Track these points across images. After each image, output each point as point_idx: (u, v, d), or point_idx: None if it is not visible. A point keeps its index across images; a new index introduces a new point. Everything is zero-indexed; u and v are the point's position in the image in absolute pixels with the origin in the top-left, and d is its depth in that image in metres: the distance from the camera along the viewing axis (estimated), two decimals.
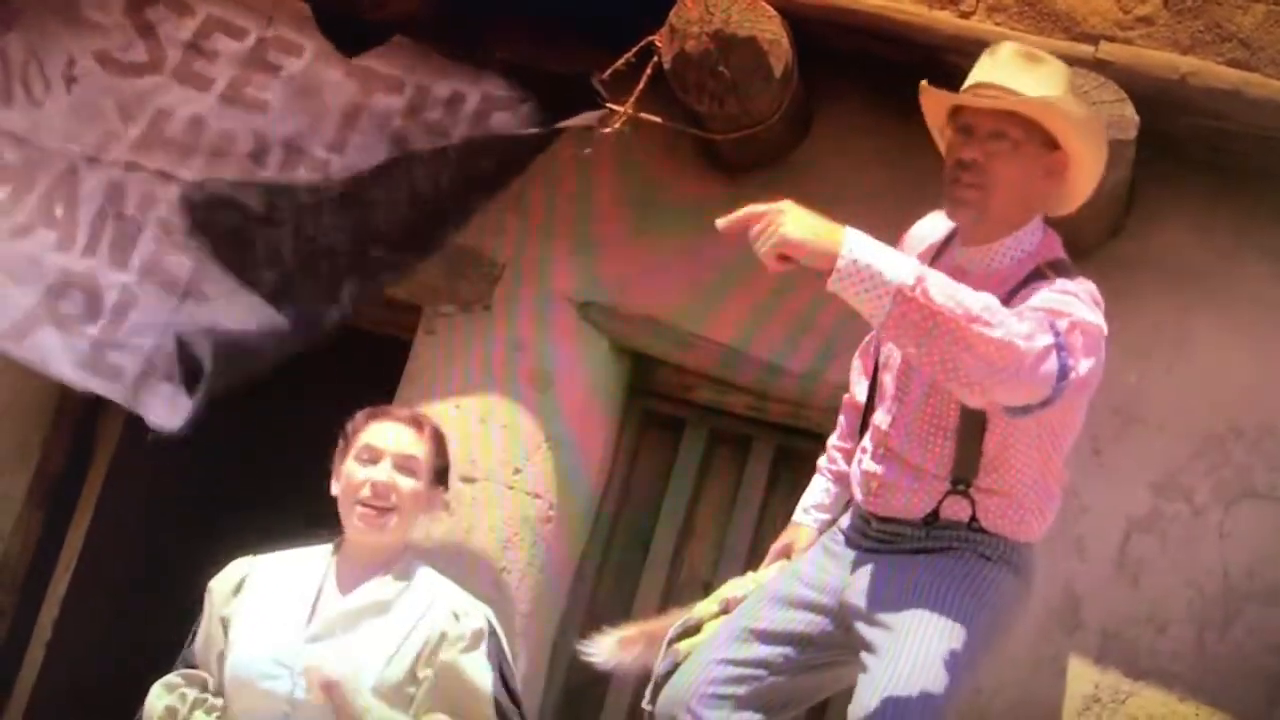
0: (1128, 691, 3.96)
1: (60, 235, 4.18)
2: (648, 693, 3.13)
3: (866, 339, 3.24)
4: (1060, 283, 2.84)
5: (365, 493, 3.13)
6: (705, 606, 3.18)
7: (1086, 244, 3.80)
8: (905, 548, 2.96)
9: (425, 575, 3.23)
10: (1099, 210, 3.82)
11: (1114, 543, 4.01)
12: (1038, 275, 2.86)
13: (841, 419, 3.30)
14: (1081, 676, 3.98)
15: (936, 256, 3.03)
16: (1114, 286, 2.96)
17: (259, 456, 5.72)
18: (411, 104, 4.15)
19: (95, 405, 4.89)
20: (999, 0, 3.91)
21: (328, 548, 3.25)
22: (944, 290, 2.60)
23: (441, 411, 4.15)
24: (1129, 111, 3.69)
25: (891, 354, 3.03)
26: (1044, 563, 3.91)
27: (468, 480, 4.22)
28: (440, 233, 4.14)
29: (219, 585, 3.23)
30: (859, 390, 3.24)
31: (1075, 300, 2.79)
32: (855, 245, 2.62)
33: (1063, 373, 2.67)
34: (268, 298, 4.09)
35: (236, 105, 4.21)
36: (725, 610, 3.16)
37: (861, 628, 2.92)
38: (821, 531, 3.23)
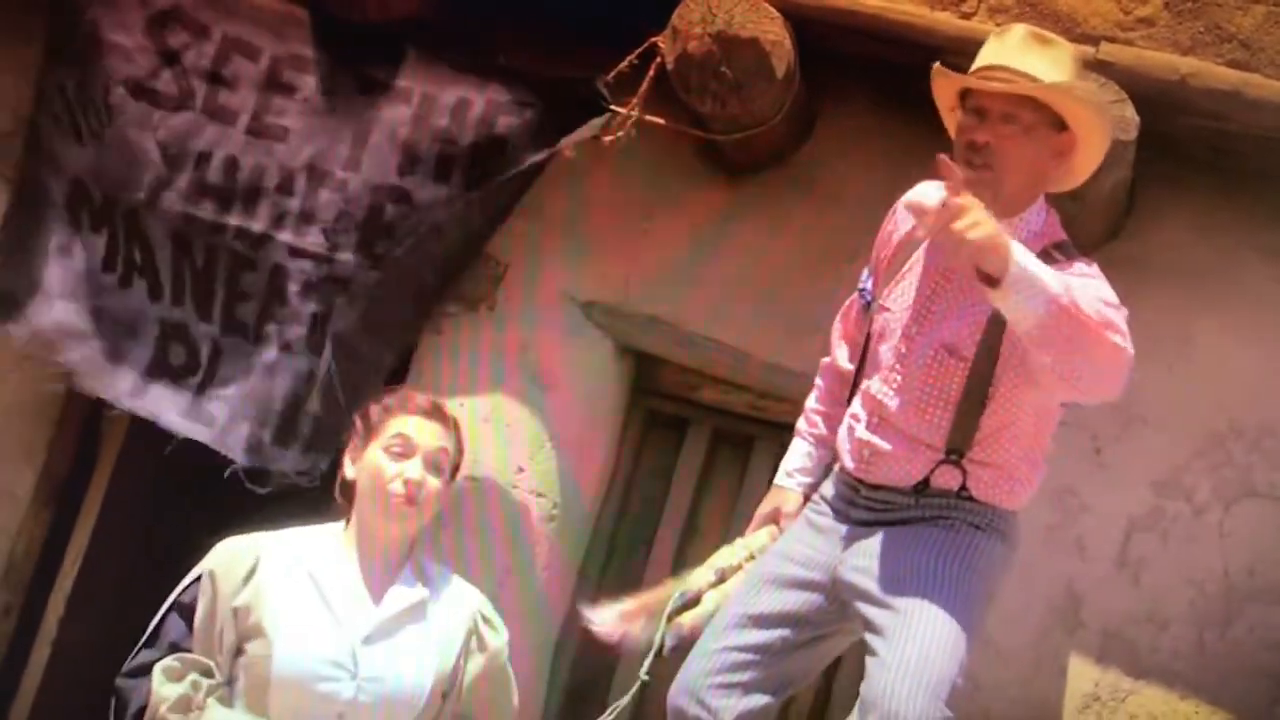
0: (1128, 690, 3.97)
1: (150, 284, 4.39)
2: (646, 663, 3.16)
3: (846, 303, 3.28)
4: (1078, 267, 2.90)
5: (397, 487, 3.11)
6: (701, 576, 3.22)
7: (1087, 244, 3.80)
8: (894, 517, 3.00)
9: (441, 572, 3.25)
10: (1099, 211, 3.84)
11: (1115, 542, 4.01)
12: (1046, 258, 2.87)
13: (820, 382, 3.33)
14: (1082, 675, 3.99)
15: None
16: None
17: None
18: (418, 112, 4.20)
19: (100, 406, 4.90)
20: (1000, 1, 3.93)
21: (334, 529, 3.21)
22: (1085, 298, 2.71)
23: None
24: (1129, 112, 3.70)
25: (888, 324, 3.06)
26: (1044, 561, 3.96)
27: (471, 479, 4.24)
28: (464, 261, 4.36)
29: (224, 571, 3.12)
30: (840, 355, 3.28)
31: (1105, 287, 2.86)
32: (1020, 254, 2.68)
33: None
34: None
35: (261, 138, 4.31)
36: (721, 579, 3.19)
37: (863, 607, 2.96)
38: (806, 496, 3.26)
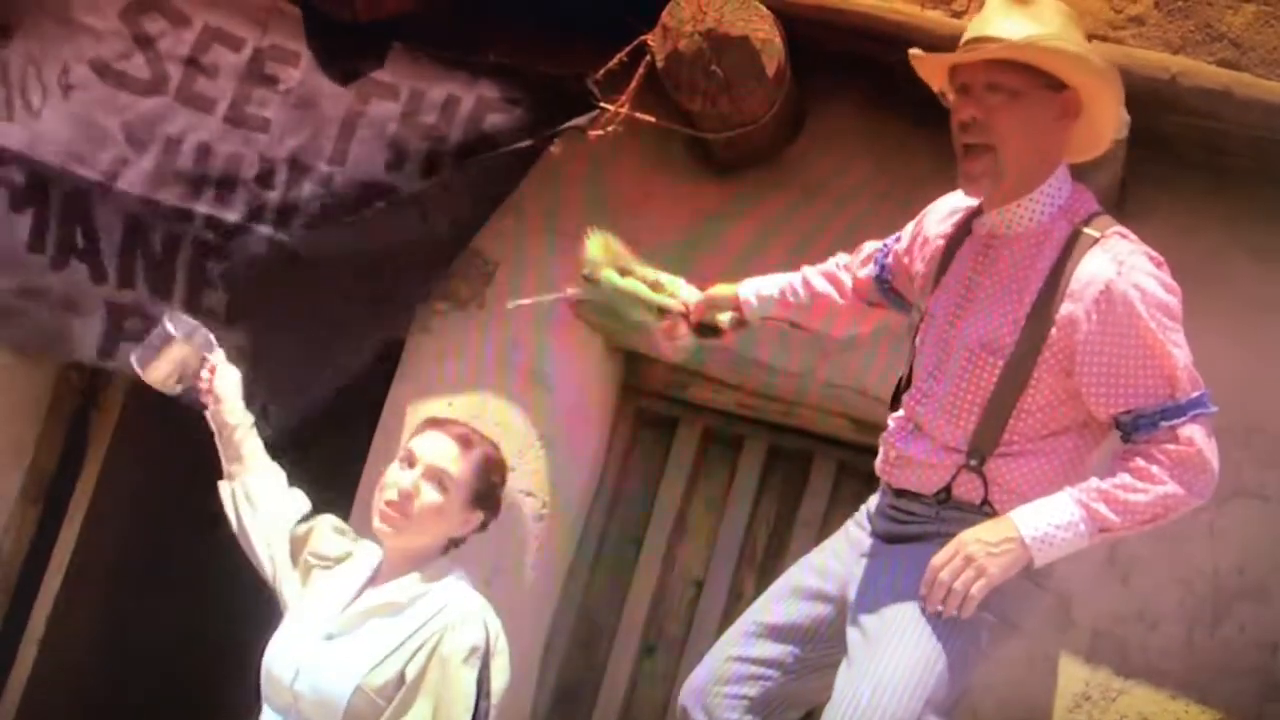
0: (1118, 689, 3.97)
1: (91, 267, 4.28)
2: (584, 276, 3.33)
3: (867, 249, 3.27)
4: (1114, 248, 2.73)
5: (389, 494, 3.12)
6: (645, 269, 3.40)
7: None
8: (914, 530, 2.88)
9: (451, 583, 3.17)
10: None
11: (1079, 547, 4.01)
12: (1081, 241, 2.75)
13: (833, 269, 3.31)
14: (1072, 674, 3.99)
15: (967, 230, 2.94)
16: None
17: None
18: (406, 109, 4.17)
19: (88, 402, 4.89)
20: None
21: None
22: (1114, 508, 2.66)
23: (434, 409, 4.15)
24: (1120, 111, 3.69)
25: (928, 331, 2.94)
26: None
27: None
28: (451, 252, 4.29)
29: (319, 532, 3.31)
30: (823, 270, 3.30)
31: (1145, 277, 2.73)
32: (1029, 534, 2.68)
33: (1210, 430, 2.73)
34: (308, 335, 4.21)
35: (240, 126, 4.23)
36: (655, 289, 3.36)
37: (847, 628, 2.87)
38: (734, 305, 3.32)
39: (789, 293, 3.32)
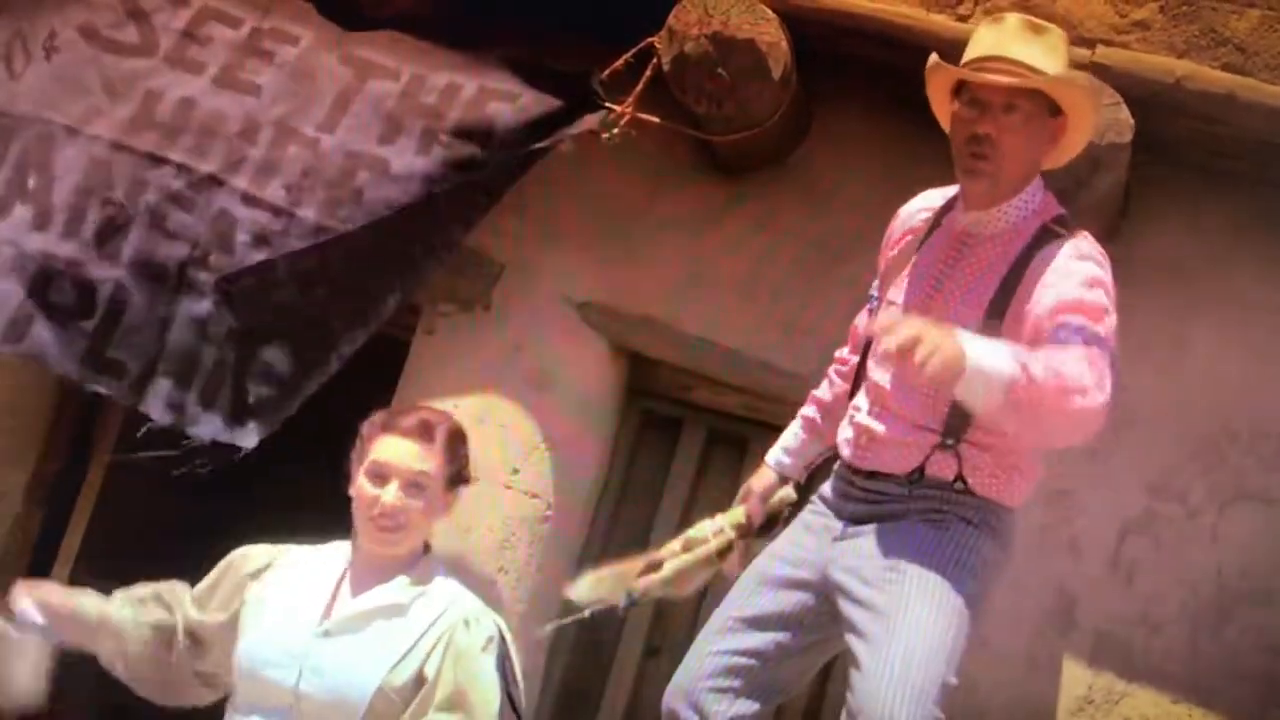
0: (1121, 692, 3.97)
1: (36, 211, 4.06)
2: (593, 610, 3.22)
3: (857, 317, 3.31)
4: (1076, 242, 2.95)
5: (375, 512, 3.13)
6: (668, 545, 3.25)
7: None
8: (888, 510, 2.99)
9: (443, 583, 3.20)
10: (1094, 213, 3.84)
11: (1108, 544, 4.02)
12: (1048, 236, 2.97)
13: (829, 373, 3.34)
14: (1075, 677, 3.99)
15: (935, 225, 3.12)
16: None
17: (258, 455, 5.72)
18: (406, 89, 4.09)
19: (94, 404, 4.89)
20: (995, 3, 3.93)
21: (348, 545, 3.25)
22: (1044, 367, 2.74)
23: None
24: (1124, 115, 3.70)
25: (894, 313, 3.02)
26: (1038, 563, 3.96)
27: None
28: (452, 238, 4.13)
29: (240, 563, 3.25)
30: (846, 352, 3.31)
31: (1097, 270, 2.92)
32: (972, 354, 2.73)
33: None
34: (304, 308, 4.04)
35: (228, 88, 4.12)
36: (686, 549, 3.22)
37: (847, 608, 2.95)
38: (782, 477, 3.31)
39: (810, 426, 3.35)
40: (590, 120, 4.00)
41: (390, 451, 3.15)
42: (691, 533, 3.26)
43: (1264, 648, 3.95)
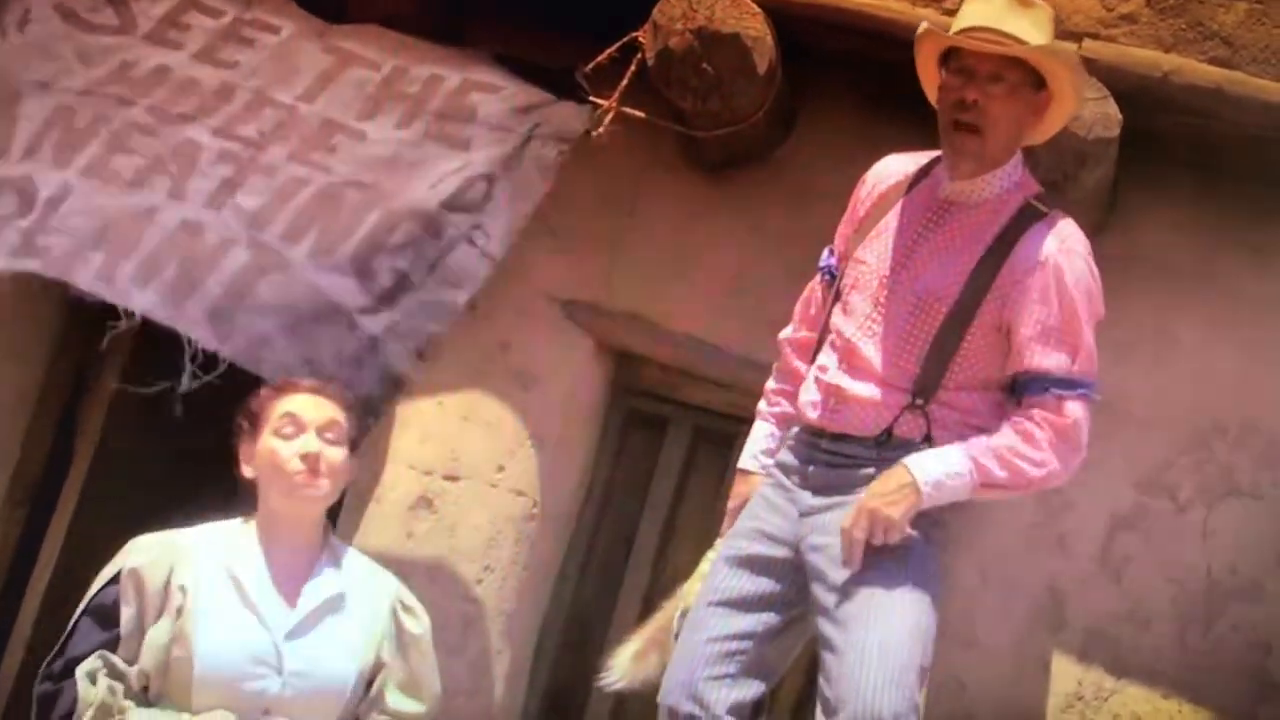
0: (1111, 689, 3.97)
1: None
2: (662, 691, 3.12)
3: (807, 289, 3.32)
4: (1060, 230, 3.01)
5: (296, 465, 3.06)
6: (693, 588, 3.19)
7: None
8: (854, 477, 3.00)
9: (354, 557, 3.19)
10: (1082, 208, 3.82)
11: (1098, 540, 4.01)
12: (1031, 213, 3.04)
13: (778, 363, 3.33)
14: (1065, 674, 3.98)
15: (912, 189, 3.15)
16: None
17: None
18: (389, 77, 4.07)
19: (76, 403, 4.87)
20: None
21: (240, 526, 3.16)
22: (999, 460, 2.94)
23: (425, 409, 4.15)
24: (1112, 109, 3.70)
25: (861, 276, 3.12)
26: (1027, 560, 3.95)
27: (451, 479, 4.22)
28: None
29: (149, 575, 3.06)
30: (797, 331, 3.29)
31: (1081, 268, 2.99)
32: (923, 479, 2.92)
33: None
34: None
35: (206, 63, 4.10)
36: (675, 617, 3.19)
37: (818, 590, 2.97)
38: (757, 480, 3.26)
39: (783, 419, 3.27)
40: (576, 118, 3.98)
41: (302, 405, 3.11)
42: (706, 567, 3.20)
43: (1253, 644, 3.95)
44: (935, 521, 2.99)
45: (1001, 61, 3.00)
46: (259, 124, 4.01)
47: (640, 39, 3.93)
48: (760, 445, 3.30)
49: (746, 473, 3.28)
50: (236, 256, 3.84)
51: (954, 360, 3.00)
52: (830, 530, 2.98)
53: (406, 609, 3.16)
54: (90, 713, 2.96)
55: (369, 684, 3.10)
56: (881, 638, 2.87)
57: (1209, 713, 3.93)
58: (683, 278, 4.27)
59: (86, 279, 3.70)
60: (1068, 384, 2.97)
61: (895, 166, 3.23)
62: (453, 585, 4.18)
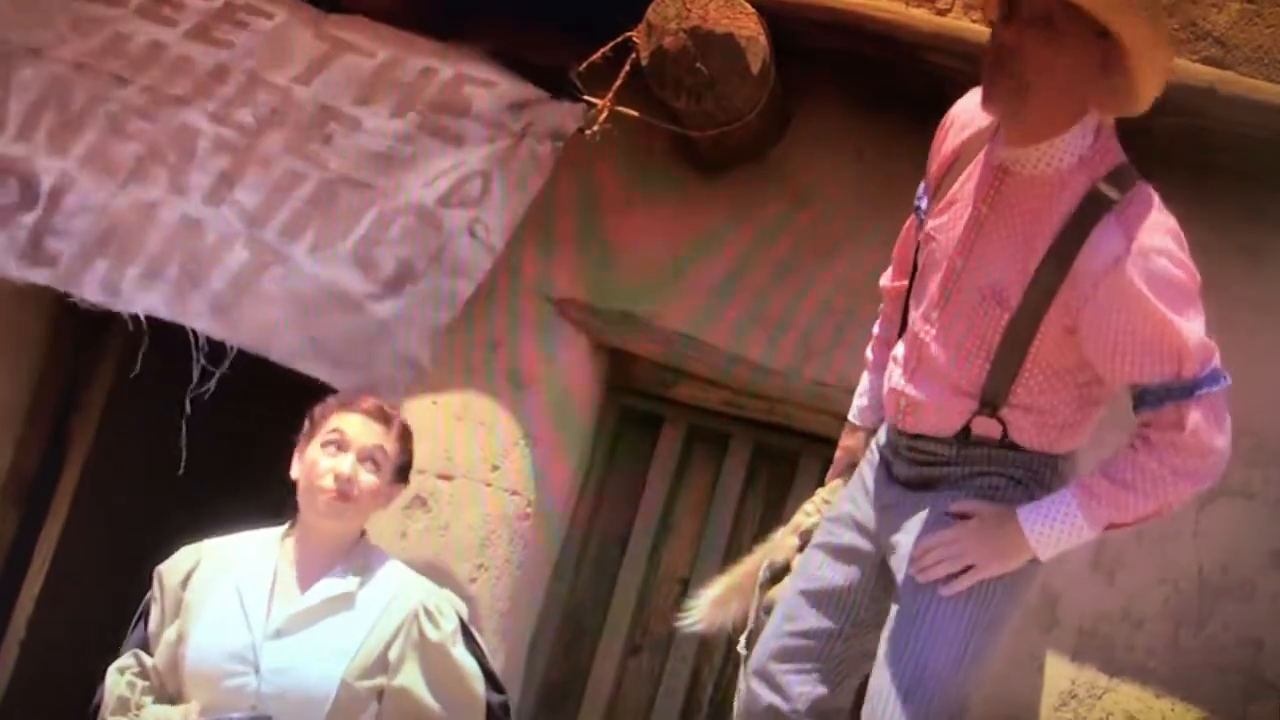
0: (1104, 688, 3.97)
1: None
2: (743, 639, 3.02)
3: (905, 226, 2.99)
4: (1128, 219, 2.63)
5: (328, 482, 3.09)
6: (786, 542, 3.07)
7: None
8: (936, 473, 2.80)
9: (389, 567, 3.18)
10: None
11: (1090, 540, 4.01)
12: (1097, 203, 2.63)
13: (884, 306, 3.10)
14: (1058, 673, 3.99)
15: (978, 148, 2.78)
16: None
17: (234, 453, 5.70)
18: (382, 66, 4.07)
19: (70, 403, 4.87)
20: None
21: (277, 532, 3.20)
22: (1118, 509, 2.69)
23: (419, 408, 4.14)
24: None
25: (933, 255, 2.80)
26: None
27: (445, 478, 4.22)
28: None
29: (169, 575, 3.18)
30: (893, 275, 3.05)
31: (1157, 258, 2.62)
32: (1036, 539, 2.70)
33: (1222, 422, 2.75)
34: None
35: (200, 41, 4.09)
36: (805, 543, 3.03)
37: (893, 580, 2.79)
38: (872, 430, 3.04)
39: (874, 362, 3.11)
40: (570, 117, 3.98)
41: (351, 424, 3.14)
42: (803, 521, 3.08)
43: (1245, 642, 3.96)
44: None
45: (1053, 3, 2.54)
46: (254, 109, 4.03)
47: (634, 38, 3.93)
48: (862, 400, 3.12)
49: (854, 426, 3.11)
50: (237, 254, 3.94)
51: (1021, 371, 2.70)
52: (908, 529, 2.78)
53: (429, 615, 3.11)
54: (112, 704, 3.06)
55: (379, 693, 3.06)
56: (917, 663, 2.68)
57: (1201, 711, 3.93)
58: (676, 276, 4.27)
59: (93, 290, 3.83)
60: (1181, 391, 2.66)
61: (971, 117, 2.81)
62: (447, 584, 4.18)
